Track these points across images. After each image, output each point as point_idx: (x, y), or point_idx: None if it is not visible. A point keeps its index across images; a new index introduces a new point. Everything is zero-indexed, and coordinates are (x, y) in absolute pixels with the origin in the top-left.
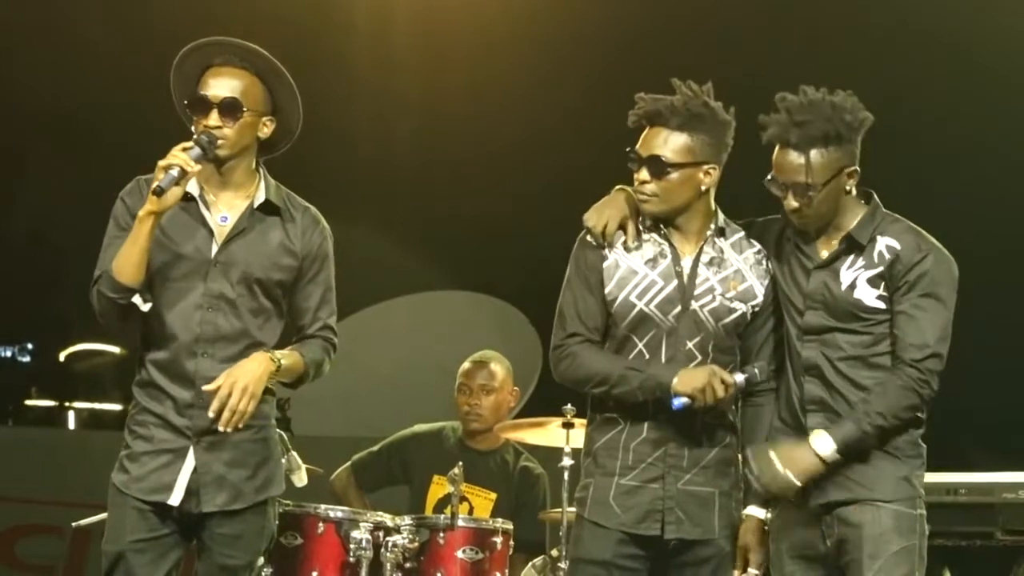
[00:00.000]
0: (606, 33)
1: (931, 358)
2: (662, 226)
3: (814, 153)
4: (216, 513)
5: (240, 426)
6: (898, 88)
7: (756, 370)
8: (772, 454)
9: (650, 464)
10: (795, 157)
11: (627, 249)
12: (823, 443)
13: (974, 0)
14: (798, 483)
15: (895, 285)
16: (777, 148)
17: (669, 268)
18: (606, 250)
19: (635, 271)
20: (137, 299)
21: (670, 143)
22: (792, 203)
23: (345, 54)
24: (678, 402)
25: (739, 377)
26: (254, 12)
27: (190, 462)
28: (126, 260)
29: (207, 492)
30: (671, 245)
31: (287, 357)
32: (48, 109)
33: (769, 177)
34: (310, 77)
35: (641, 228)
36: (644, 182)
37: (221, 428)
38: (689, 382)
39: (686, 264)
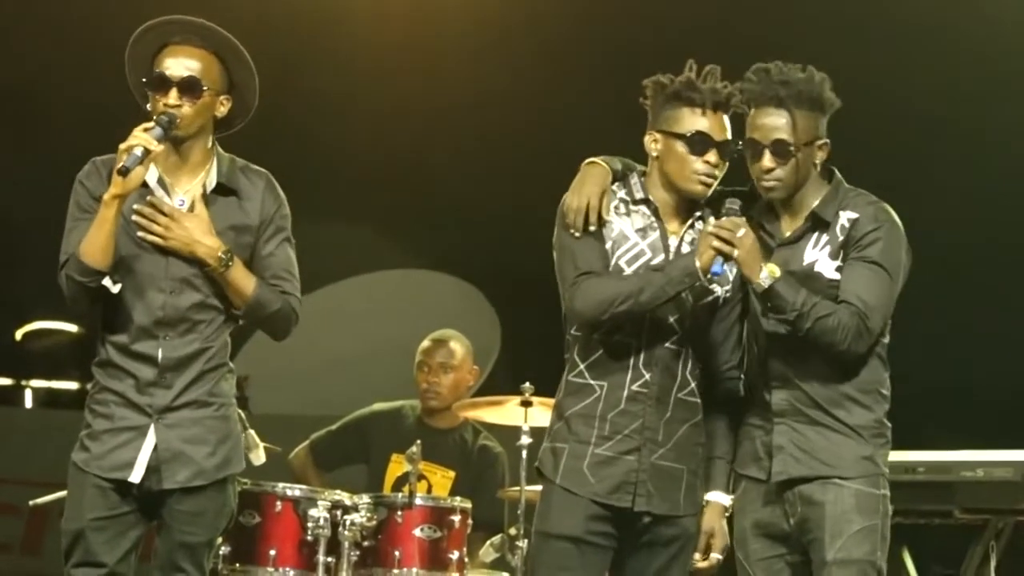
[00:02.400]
0: (572, 17)
1: (868, 313)
2: (652, 199)
3: (798, 113)
4: (177, 490)
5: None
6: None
7: (734, 206)
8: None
9: (627, 436)
10: (779, 115)
11: (618, 213)
12: (767, 273)
13: None
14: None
15: (848, 252)
16: (755, 110)
17: (657, 242)
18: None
19: (627, 236)
20: (107, 281)
21: None
22: (767, 163)
23: (307, 52)
24: (718, 268)
25: (732, 205)
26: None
27: (151, 439)
28: (94, 244)
29: (168, 469)
30: (659, 220)
31: (242, 269)
32: (2, 84)
33: (745, 138)
34: (265, 69)
35: (628, 199)
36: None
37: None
38: (705, 254)
39: (672, 243)
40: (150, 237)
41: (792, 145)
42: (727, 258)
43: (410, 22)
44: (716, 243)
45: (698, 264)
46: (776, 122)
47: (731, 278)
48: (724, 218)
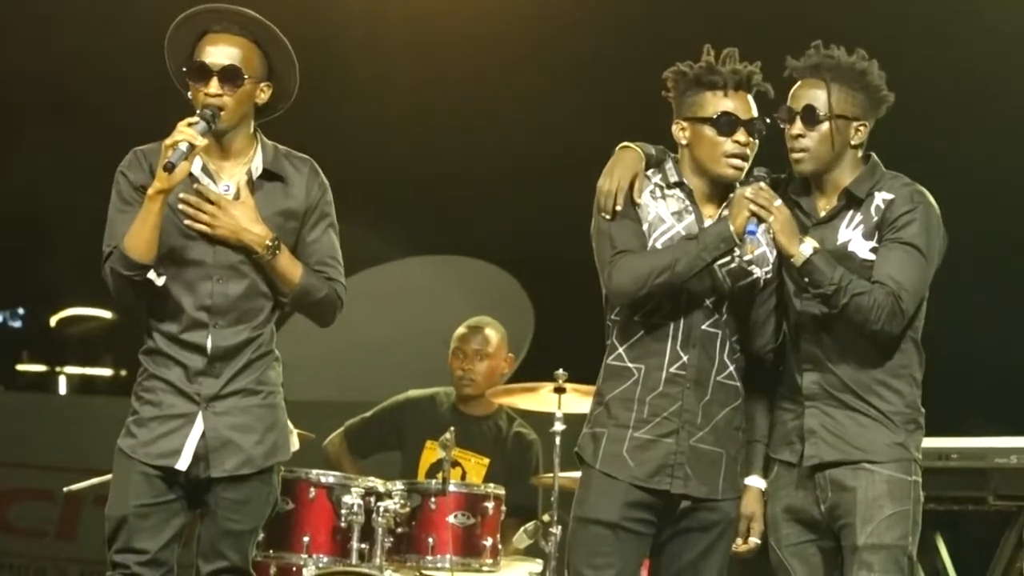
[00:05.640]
0: (590, 13)
1: (902, 294)
2: (686, 183)
3: (836, 88)
4: (223, 478)
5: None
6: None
7: (761, 172)
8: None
9: (665, 419)
10: (816, 86)
11: (654, 197)
12: (808, 245)
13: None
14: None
15: (883, 233)
16: (799, 83)
17: (692, 225)
18: (634, 194)
19: (663, 219)
20: (152, 275)
21: None
22: (796, 129)
23: (340, 41)
24: (752, 227)
25: (759, 171)
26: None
27: (199, 427)
28: (139, 238)
29: (216, 457)
30: (694, 203)
31: (288, 256)
32: (41, 76)
33: (781, 109)
34: (305, 54)
35: (663, 184)
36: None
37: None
38: (739, 216)
39: (708, 225)
40: (197, 225)
41: (823, 114)
42: (761, 220)
43: (447, 23)
44: (753, 206)
45: (732, 227)
46: (810, 92)
47: (770, 258)
48: (756, 184)
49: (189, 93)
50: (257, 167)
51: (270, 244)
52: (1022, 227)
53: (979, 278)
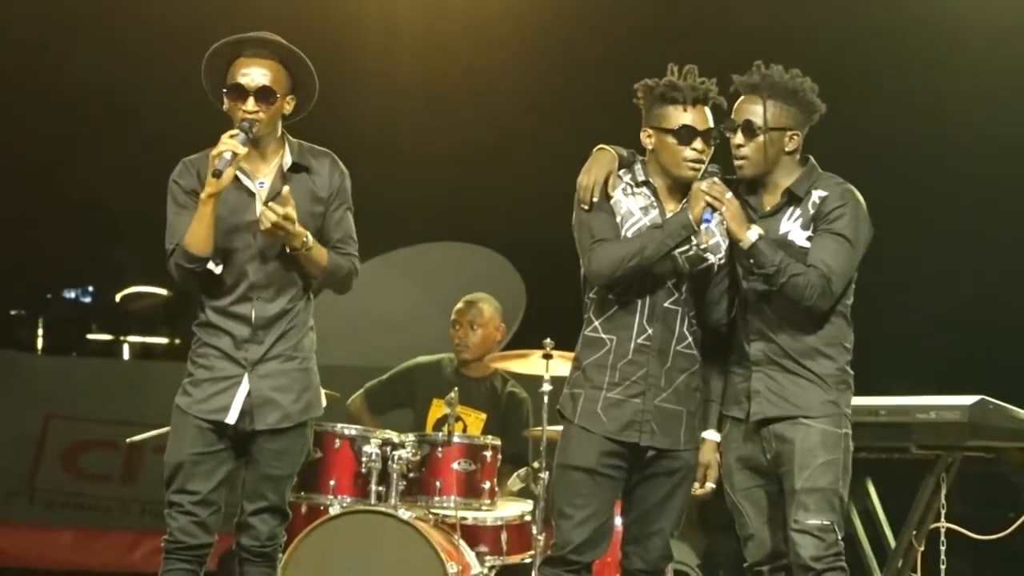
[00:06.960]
0: (591, 14)
1: (832, 276)
2: (652, 182)
3: (772, 103)
4: (265, 431)
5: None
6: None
7: (714, 169)
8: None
9: (633, 382)
10: (754, 102)
11: (625, 194)
12: (755, 232)
13: None
14: (718, 205)
15: (818, 224)
16: (741, 98)
17: (657, 218)
18: (608, 189)
19: (633, 213)
20: (210, 264)
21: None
22: (737, 140)
23: (354, 43)
24: (708, 215)
25: (712, 168)
26: (272, 7)
27: (244, 387)
28: (197, 235)
29: (259, 413)
30: (658, 200)
31: (317, 246)
32: (104, 90)
33: (727, 121)
34: (322, 60)
35: (632, 183)
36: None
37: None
38: (696, 207)
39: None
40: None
41: (759, 127)
42: (714, 210)
43: (455, 23)
44: (708, 198)
45: (691, 216)
46: (750, 107)
47: (722, 246)
48: (711, 179)
49: (225, 107)
50: (287, 162)
51: (305, 241)
52: (948, 218)
53: (914, 270)
